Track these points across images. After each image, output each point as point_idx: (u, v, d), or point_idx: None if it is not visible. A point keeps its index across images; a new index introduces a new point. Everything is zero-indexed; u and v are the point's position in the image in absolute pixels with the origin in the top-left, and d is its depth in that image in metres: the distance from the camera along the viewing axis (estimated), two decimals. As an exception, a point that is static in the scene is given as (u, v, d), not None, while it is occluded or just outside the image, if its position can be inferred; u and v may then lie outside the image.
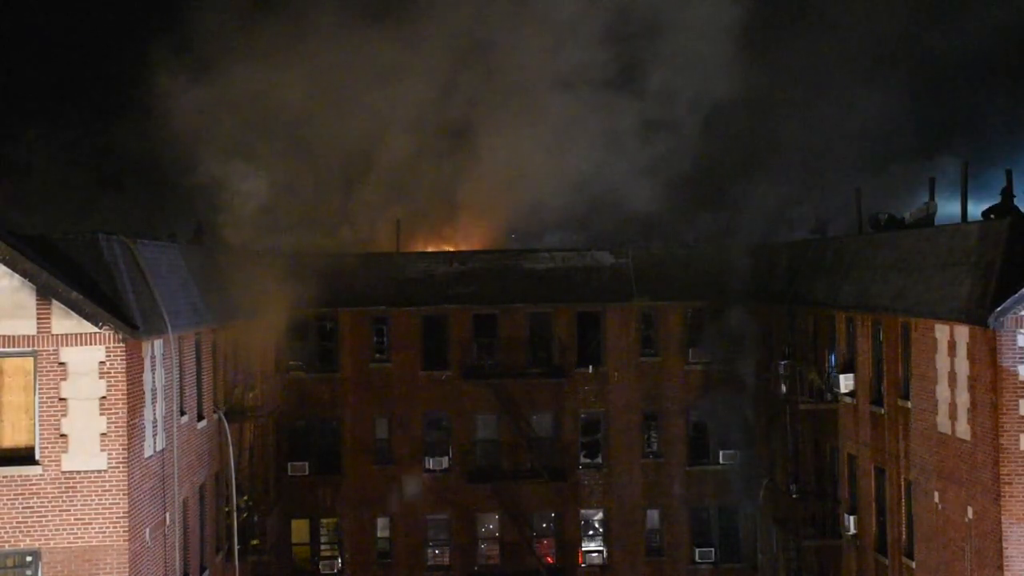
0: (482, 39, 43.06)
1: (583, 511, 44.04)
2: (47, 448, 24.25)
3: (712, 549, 43.68)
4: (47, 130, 43.39)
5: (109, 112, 43.85)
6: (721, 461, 43.72)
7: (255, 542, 35.19)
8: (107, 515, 24.39)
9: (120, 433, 24.50)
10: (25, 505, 24.19)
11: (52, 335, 24.32)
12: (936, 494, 27.74)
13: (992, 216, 28.11)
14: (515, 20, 43.01)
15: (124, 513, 24.48)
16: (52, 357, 24.32)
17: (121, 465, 24.47)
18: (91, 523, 24.35)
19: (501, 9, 42.96)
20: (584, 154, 42.04)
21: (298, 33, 41.92)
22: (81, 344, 24.36)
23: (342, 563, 43.02)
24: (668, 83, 41.89)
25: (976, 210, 30.64)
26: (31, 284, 24.20)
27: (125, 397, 24.58)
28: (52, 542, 24.26)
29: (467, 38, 42.97)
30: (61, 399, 24.32)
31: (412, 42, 42.63)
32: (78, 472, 24.31)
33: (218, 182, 37.09)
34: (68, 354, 24.34)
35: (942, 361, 27.21)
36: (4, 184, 42.19)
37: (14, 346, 24.27)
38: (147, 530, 25.88)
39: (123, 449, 24.50)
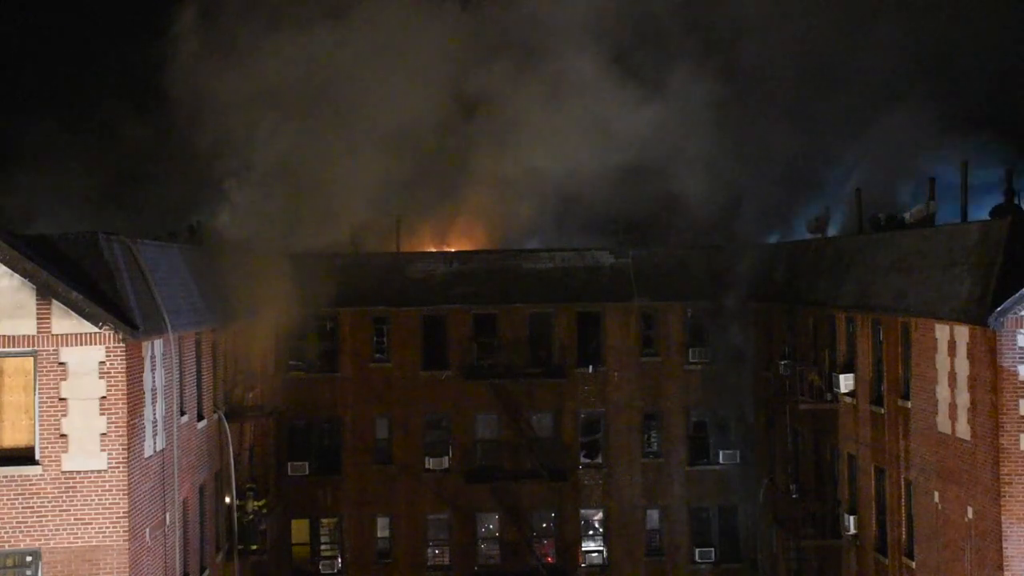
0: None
1: (583, 511, 44.00)
2: (47, 448, 24.25)
3: (712, 549, 43.64)
4: (53, 123, 43.23)
5: (108, 104, 43.68)
6: (721, 461, 43.70)
7: (255, 547, 35.17)
8: (107, 515, 24.38)
9: (120, 433, 24.50)
10: (25, 505, 24.19)
11: (52, 335, 24.32)
12: (936, 494, 27.74)
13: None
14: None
15: (124, 513, 24.48)
16: (52, 357, 24.32)
17: (121, 465, 24.47)
18: (91, 523, 24.35)
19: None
20: (604, 145, 41.57)
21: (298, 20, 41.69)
22: (81, 344, 24.36)
23: (342, 563, 42.99)
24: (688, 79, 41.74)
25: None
26: (31, 284, 24.19)
27: (125, 397, 24.58)
28: (52, 542, 24.25)
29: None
30: (61, 399, 24.31)
31: (417, 30, 42.35)
32: (78, 472, 24.31)
33: (217, 175, 37.09)
34: (68, 354, 24.33)
35: (942, 361, 27.21)
36: (9, 181, 42.05)
37: (14, 346, 24.27)
38: (147, 530, 25.88)
39: (123, 449, 24.51)
